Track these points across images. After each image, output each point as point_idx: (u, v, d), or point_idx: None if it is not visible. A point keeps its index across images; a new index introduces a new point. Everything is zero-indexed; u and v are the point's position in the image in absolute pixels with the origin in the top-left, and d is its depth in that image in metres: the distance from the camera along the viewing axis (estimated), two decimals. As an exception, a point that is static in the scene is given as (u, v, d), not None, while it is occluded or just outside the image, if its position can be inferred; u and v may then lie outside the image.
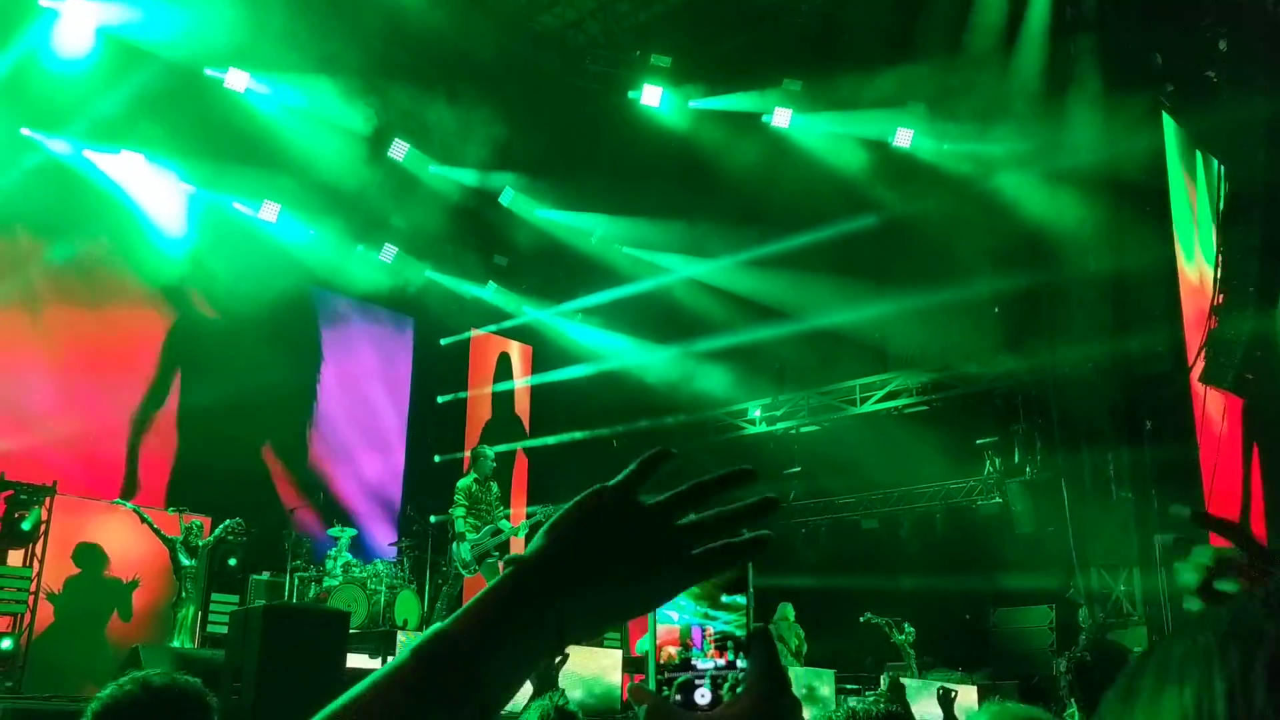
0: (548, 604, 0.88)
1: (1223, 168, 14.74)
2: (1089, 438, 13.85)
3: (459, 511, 11.12)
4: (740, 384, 17.27)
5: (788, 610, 13.40)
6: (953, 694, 6.60)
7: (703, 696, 0.95)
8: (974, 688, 12.20)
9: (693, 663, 0.95)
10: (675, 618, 0.96)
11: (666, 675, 0.95)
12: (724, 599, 0.97)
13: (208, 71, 13.26)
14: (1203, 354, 13.84)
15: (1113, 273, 13.83)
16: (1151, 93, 13.79)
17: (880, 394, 16.46)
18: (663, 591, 0.92)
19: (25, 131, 12.79)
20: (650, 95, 14.74)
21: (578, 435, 17.71)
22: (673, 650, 0.96)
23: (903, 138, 14.48)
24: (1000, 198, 13.70)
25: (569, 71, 15.40)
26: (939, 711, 6.76)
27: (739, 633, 0.95)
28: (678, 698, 0.95)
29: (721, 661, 0.95)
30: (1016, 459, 14.77)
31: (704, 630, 0.96)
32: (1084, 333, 14.10)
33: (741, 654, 0.95)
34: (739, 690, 0.93)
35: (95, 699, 2.36)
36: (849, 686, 10.93)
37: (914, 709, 10.29)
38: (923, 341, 16.35)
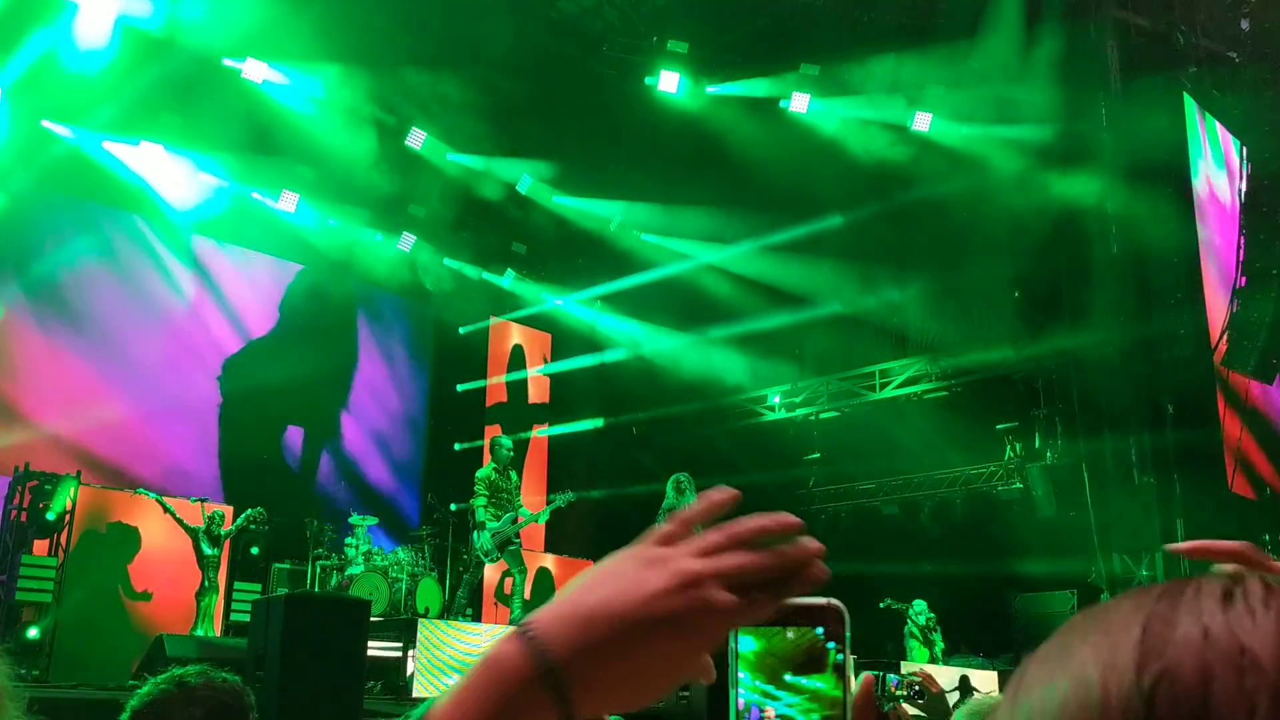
0: (544, 674, 0.73)
1: (1245, 148, 14.61)
2: (1110, 422, 13.77)
3: (479, 501, 11.16)
4: (760, 370, 17.24)
5: (919, 604, 13.49)
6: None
7: None
8: (994, 673, 12.19)
9: None
10: (738, 697, 0.80)
11: None
12: (788, 678, 0.80)
13: (226, 62, 13.28)
14: (1225, 337, 13.75)
15: (1134, 255, 13.73)
16: (1173, 74, 13.67)
17: (900, 379, 16.42)
18: (688, 645, 0.76)
19: (46, 124, 12.86)
20: (667, 81, 14.70)
21: (597, 422, 17.73)
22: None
23: (921, 121, 14.39)
24: (1020, 181, 13.61)
25: (586, 58, 15.35)
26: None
27: (801, 718, 0.79)
28: None
29: None
30: (1037, 444, 14.72)
31: (762, 711, 0.80)
32: (1105, 316, 14.01)
33: None
34: None
35: (135, 695, 2.39)
36: (868, 672, 10.90)
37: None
38: (942, 326, 16.28)
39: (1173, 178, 13.47)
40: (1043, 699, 0.55)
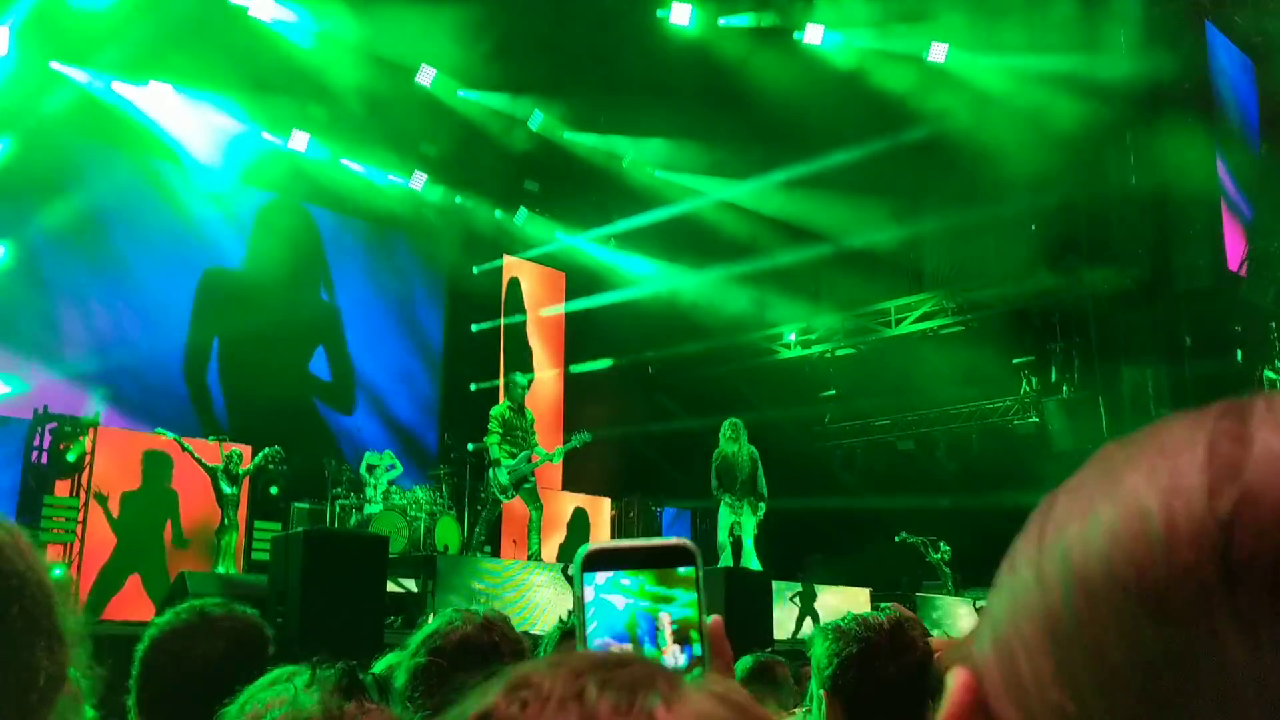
0: None
1: (1264, 75, 14.38)
2: (1127, 355, 13.72)
3: (493, 439, 11.21)
4: (775, 307, 17.20)
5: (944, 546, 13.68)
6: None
7: None
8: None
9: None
10: (618, 605, 0.74)
11: None
12: (681, 571, 0.76)
13: (233, 0, 13.15)
14: (1244, 268, 13.62)
15: (1153, 186, 13.58)
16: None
17: (916, 315, 16.35)
18: None
19: (55, 65, 12.78)
20: (679, 14, 14.50)
21: (613, 361, 17.74)
22: (618, 649, 0.74)
23: (937, 53, 14.18)
24: (1037, 112, 13.43)
25: (597, -8, 15.15)
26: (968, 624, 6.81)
27: (694, 615, 0.75)
28: None
29: (684, 658, 0.74)
30: (1054, 378, 14.67)
31: (654, 618, 0.75)
32: (1123, 248, 13.89)
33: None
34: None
35: (153, 624, 2.36)
36: (883, 605, 10.99)
37: (948, 624, 10.34)
38: (959, 261, 16.18)
39: (1193, 106, 13.27)
40: (1084, 535, 0.46)
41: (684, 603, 0.75)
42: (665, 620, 0.75)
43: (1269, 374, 13.52)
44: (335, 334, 15.79)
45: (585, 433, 12.03)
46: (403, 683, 2.23)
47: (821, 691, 2.26)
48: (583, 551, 0.76)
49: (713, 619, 0.75)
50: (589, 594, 0.75)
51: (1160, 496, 0.45)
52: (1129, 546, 0.45)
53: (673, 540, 0.78)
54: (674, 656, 0.74)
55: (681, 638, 0.75)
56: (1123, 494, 0.46)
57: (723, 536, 11.12)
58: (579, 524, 14.89)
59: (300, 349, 15.20)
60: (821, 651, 2.28)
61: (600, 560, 0.76)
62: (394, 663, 2.60)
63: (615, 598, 0.75)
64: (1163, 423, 0.49)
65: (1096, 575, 0.45)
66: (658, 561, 0.76)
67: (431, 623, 2.39)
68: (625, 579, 0.75)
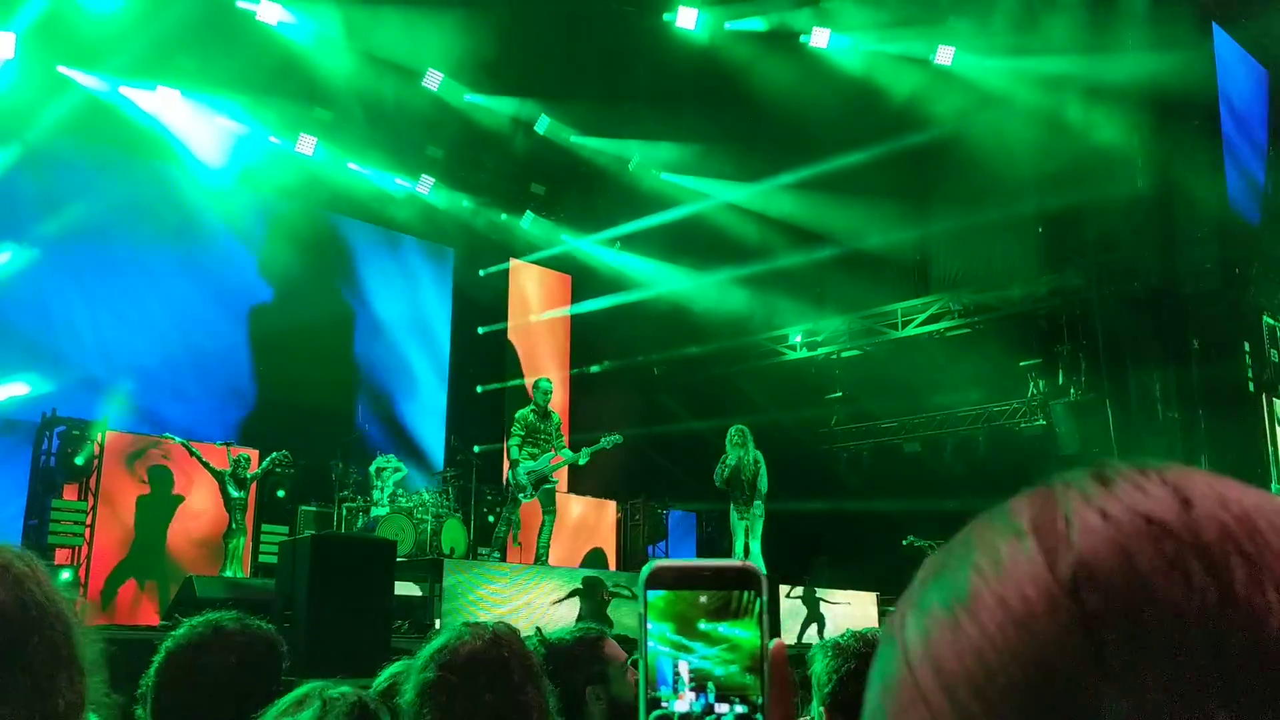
0: None
1: (1272, 78, 14.35)
2: (1134, 358, 13.68)
3: (514, 440, 11.24)
4: (781, 309, 17.18)
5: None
6: None
7: None
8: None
9: (661, 703, 0.76)
10: (650, 646, 0.76)
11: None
12: (704, 625, 0.77)
13: (240, 4, 13.17)
14: (1253, 271, 13.60)
15: (1160, 189, 13.55)
16: (1201, 0, 13.40)
17: (922, 317, 16.32)
18: None
19: (62, 69, 12.82)
20: (685, 17, 14.50)
21: (618, 363, 17.74)
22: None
23: (944, 55, 14.17)
24: (1045, 115, 13.41)
25: (603, -5, 15.15)
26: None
27: (719, 671, 0.76)
28: None
29: (698, 705, 0.76)
30: (1061, 380, 14.64)
31: (674, 664, 0.76)
32: (1130, 251, 13.87)
33: (727, 700, 0.75)
34: None
35: (169, 637, 2.37)
36: (891, 609, 10.98)
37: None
38: (965, 263, 16.15)
39: (1200, 109, 13.24)
40: (954, 644, 0.48)
41: (702, 655, 0.76)
42: (684, 668, 0.76)
43: (1268, 320, 13.54)
44: (340, 337, 15.81)
45: (616, 434, 11.96)
46: (410, 699, 2.20)
47: (823, 709, 2.27)
48: (648, 568, 0.76)
49: (775, 644, 0.75)
50: (649, 613, 0.76)
51: (1005, 582, 0.48)
52: (998, 642, 0.46)
53: (737, 563, 0.78)
54: (688, 703, 0.76)
55: (699, 687, 0.75)
56: (971, 594, 0.49)
57: (739, 547, 11.15)
58: (584, 531, 14.88)
59: (304, 352, 15.21)
60: (821, 669, 2.29)
61: (664, 578, 0.77)
62: (396, 673, 2.58)
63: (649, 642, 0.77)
64: (966, 535, 0.53)
65: (978, 675, 0.47)
66: (721, 583, 0.77)
67: (439, 637, 2.34)
68: (650, 624, 0.75)
